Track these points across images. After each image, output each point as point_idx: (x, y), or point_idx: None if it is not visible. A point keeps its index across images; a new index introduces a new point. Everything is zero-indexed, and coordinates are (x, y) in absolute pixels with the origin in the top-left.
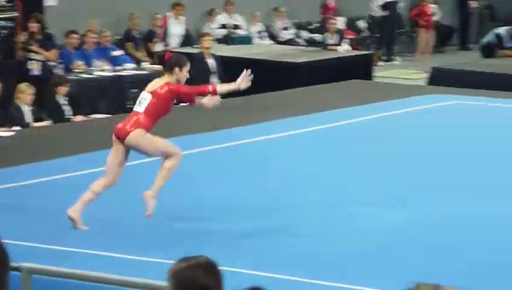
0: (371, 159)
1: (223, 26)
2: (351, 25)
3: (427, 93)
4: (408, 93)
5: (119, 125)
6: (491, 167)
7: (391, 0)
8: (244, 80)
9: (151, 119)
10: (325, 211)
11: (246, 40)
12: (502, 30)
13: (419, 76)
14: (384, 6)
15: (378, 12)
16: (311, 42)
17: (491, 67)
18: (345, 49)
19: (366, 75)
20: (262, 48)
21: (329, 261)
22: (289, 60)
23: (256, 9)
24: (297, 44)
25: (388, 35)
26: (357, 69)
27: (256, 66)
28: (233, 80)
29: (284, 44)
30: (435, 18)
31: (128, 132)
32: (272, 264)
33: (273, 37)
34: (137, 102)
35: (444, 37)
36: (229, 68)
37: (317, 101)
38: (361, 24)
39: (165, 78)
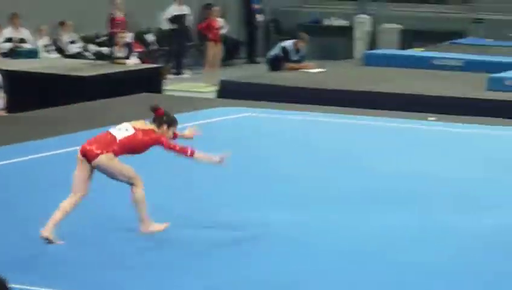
0: (159, 170)
1: (9, 40)
2: (139, 38)
3: (217, 106)
4: (198, 106)
5: (88, 146)
6: (287, 177)
7: (179, 13)
8: (222, 160)
9: (123, 152)
10: None
11: (33, 54)
12: (287, 43)
13: (209, 89)
14: (173, 20)
15: (167, 26)
16: (99, 56)
17: (277, 80)
18: (133, 62)
19: (156, 88)
20: (49, 62)
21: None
22: (77, 74)
23: (43, 23)
24: (85, 57)
25: (177, 48)
26: (146, 83)
27: (44, 80)
28: (22, 94)
29: (71, 58)
30: (223, 31)
31: (97, 155)
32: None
33: (60, 50)
34: (117, 127)
35: (232, 51)
36: (16, 83)
37: (101, 115)
38: (150, 37)
39: (152, 126)
